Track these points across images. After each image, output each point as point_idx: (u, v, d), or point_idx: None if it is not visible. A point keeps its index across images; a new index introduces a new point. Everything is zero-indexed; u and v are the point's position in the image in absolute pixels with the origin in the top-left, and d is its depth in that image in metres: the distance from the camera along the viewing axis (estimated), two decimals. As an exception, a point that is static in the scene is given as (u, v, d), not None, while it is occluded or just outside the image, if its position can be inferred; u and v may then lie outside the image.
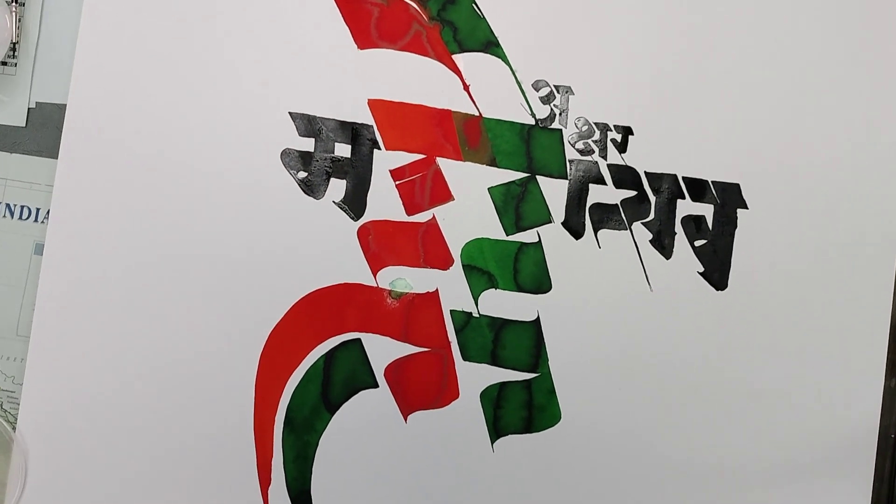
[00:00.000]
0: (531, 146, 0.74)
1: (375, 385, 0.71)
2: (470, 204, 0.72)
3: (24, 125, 0.75)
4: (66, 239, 0.71)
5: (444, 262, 0.72)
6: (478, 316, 0.72)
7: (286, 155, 0.74)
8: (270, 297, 0.71)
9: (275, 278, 0.73)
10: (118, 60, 0.72)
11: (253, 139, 0.74)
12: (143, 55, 0.72)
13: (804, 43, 0.75)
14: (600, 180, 0.73)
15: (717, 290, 0.73)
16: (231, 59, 0.74)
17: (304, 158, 0.74)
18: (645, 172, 0.73)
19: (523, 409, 0.71)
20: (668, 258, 0.73)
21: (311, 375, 0.71)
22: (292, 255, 0.73)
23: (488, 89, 0.73)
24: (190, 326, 0.71)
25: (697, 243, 0.73)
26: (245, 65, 0.74)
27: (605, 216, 0.73)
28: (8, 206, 0.74)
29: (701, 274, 0.73)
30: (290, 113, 0.74)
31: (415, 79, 0.73)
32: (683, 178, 0.73)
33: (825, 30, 0.74)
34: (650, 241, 0.73)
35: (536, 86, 0.74)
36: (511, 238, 0.72)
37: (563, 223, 0.73)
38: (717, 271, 0.73)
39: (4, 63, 0.75)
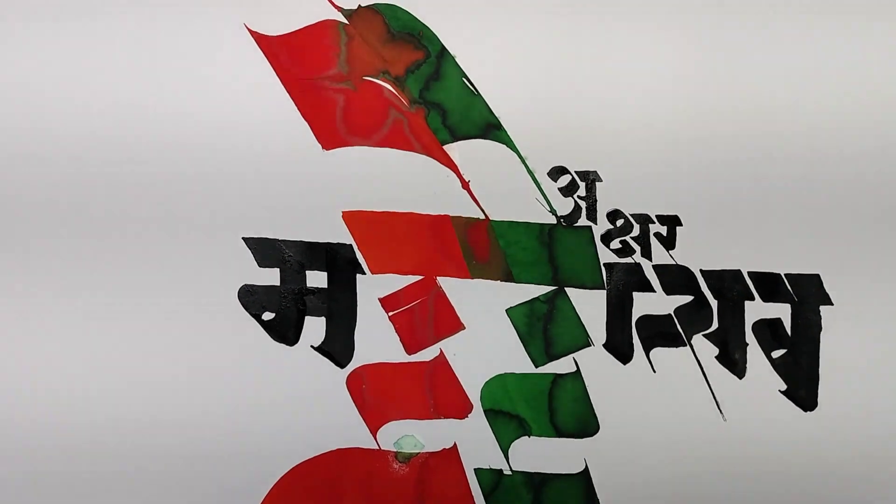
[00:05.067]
0: (555, 251, 0.62)
1: (389, 575, 0.61)
2: (485, 332, 0.63)
3: None
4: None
5: (460, 409, 0.62)
6: (510, 473, 0.63)
7: (245, 294, 0.61)
8: (245, 478, 0.61)
9: (248, 454, 0.61)
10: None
11: (200, 275, 0.61)
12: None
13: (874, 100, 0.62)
14: (646, 286, 0.63)
15: (805, 411, 0.63)
16: (167, 173, 0.60)
17: (269, 295, 0.62)
18: (701, 271, 0.63)
19: (578, 585, 0.63)
20: (740, 377, 0.63)
21: (307, 573, 0.61)
22: (266, 420, 0.61)
23: (494, 184, 0.62)
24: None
25: (775, 354, 0.63)
26: (183, 182, 0.61)
27: (657, 331, 0.63)
28: None
29: (784, 393, 0.63)
30: (244, 239, 0.61)
31: (399, 180, 0.62)
32: (750, 273, 0.63)
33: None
34: (717, 358, 0.63)
35: (553, 175, 0.62)
36: (542, 370, 0.63)
37: (604, 345, 0.63)
38: (802, 388, 0.63)
39: None
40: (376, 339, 0.61)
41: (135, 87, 0.60)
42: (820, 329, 0.62)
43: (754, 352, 0.62)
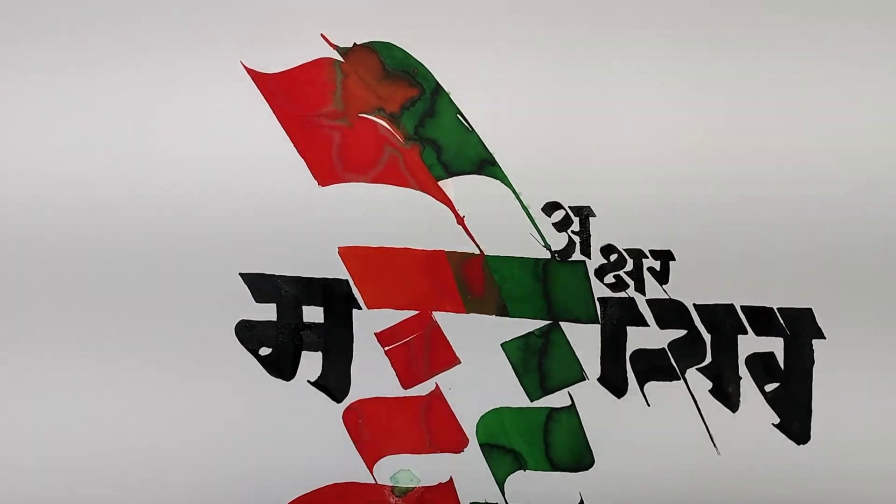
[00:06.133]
0: (549, 286, 0.61)
1: None
2: (481, 366, 0.62)
3: None
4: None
5: (456, 443, 0.62)
6: None
7: (243, 329, 0.61)
8: None
9: (245, 490, 0.61)
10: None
11: (197, 311, 0.61)
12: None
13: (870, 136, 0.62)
14: (640, 321, 0.62)
15: (799, 444, 0.62)
16: (165, 210, 0.60)
17: (266, 330, 0.61)
18: (694, 305, 0.62)
19: None
20: (734, 410, 0.62)
21: None
22: (262, 456, 0.61)
23: (488, 220, 0.62)
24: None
25: (768, 388, 0.63)
26: (180, 217, 0.60)
27: (651, 365, 0.62)
28: None
29: (777, 426, 0.62)
30: (241, 274, 0.61)
31: (395, 216, 0.62)
32: (742, 307, 0.62)
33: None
34: (710, 392, 0.62)
35: (547, 210, 0.62)
36: (537, 404, 0.62)
37: (599, 379, 0.63)
38: (796, 421, 0.62)
39: None
40: (372, 374, 0.61)
41: (132, 124, 0.60)
42: (813, 363, 0.61)
43: (747, 385, 0.62)
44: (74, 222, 0.60)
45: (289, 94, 0.61)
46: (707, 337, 0.62)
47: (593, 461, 0.61)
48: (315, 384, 0.61)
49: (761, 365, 0.61)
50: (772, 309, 0.61)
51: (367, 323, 0.61)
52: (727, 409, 0.61)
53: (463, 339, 0.62)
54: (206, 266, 0.60)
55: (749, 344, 0.62)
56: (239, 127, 0.61)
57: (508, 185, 0.61)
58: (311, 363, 0.61)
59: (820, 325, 0.61)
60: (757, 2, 0.61)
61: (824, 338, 0.61)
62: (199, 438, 0.60)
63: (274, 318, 0.61)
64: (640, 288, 0.62)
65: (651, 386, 0.62)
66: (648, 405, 0.61)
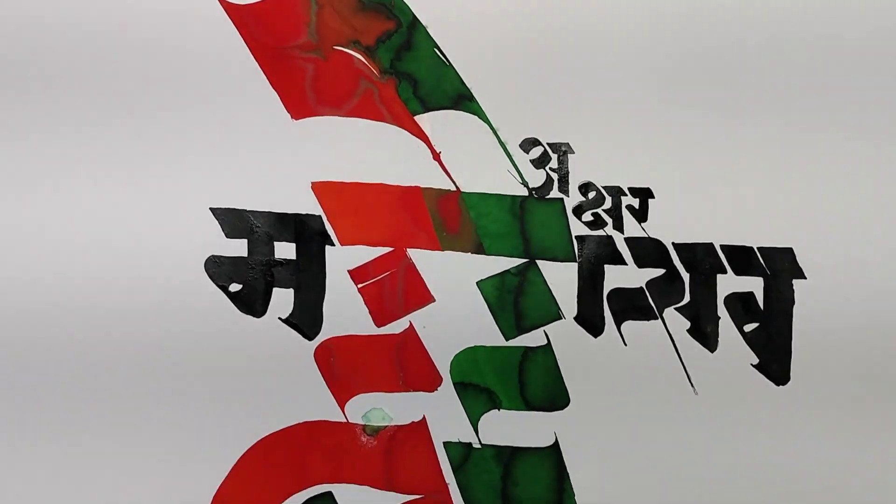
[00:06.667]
0: (526, 224, 0.60)
1: (357, 551, 0.61)
2: (456, 305, 0.61)
3: None
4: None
5: (429, 382, 0.61)
6: (480, 447, 0.61)
7: (212, 264, 0.60)
8: (209, 449, 0.60)
9: (213, 425, 0.60)
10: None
11: (167, 245, 0.60)
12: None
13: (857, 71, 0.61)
14: (618, 259, 0.61)
15: (778, 385, 0.61)
16: (135, 144, 0.59)
17: (236, 266, 0.60)
18: (673, 244, 0.61)
19: (548, 557, 0.62)
20: (712, 350, 0.61)
21: (273, 548, 0.61)
22: (232, 392, 0.60)
23: (465, 156, 0.61)
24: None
25: (747, 328, 0.61)
26: (152, 151, 0.59)
27: (629, 304, 0.61)
28: None
29: (756, 367, 0.61)
30: (211, 209, 0.60)
31: (369, 151, 0.61)
32: (722, 246, 0.61)
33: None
34: (688, 331, 0.61)
35: (525, 146, 0.61)
36: (512, 343, 0.61)
37: (576, 318, 0.61)
38: (775, 362, 0.61)
39: None
40: (345, 312, 0.60)
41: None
42: (793, 303, 0.60)
43: (726, 325, 0.61)
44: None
45: (261, 25, 0.60)
46: (686, 276, 0.60)
47: (569, 401, 0.60)
48: (286, 321, 0.60)
49: (740, 305, 0.60)
50: (752, 248, 0.60)
51: (341, 260, 0.60)
52: (705, 348, 0.60)
53: (438, 277, 0.60)
54: (175, 201, 0.59)
55: (728, 284, 0.61)
56: (213, 58, 0.59)
57: (486, 120, 0.60)
58: (282, 300, 0.60)
59: (801, 265, 0.60)
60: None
61: (805, 278, 0.60)
62: (167, 374, 0.59)
63: (245, 254, 0.60)
64: (619, 226, 0.60)
65: (628, 325, 0.60)
66: (625, 344, 0.60)
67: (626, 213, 0.60)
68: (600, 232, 0.61)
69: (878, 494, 0.60)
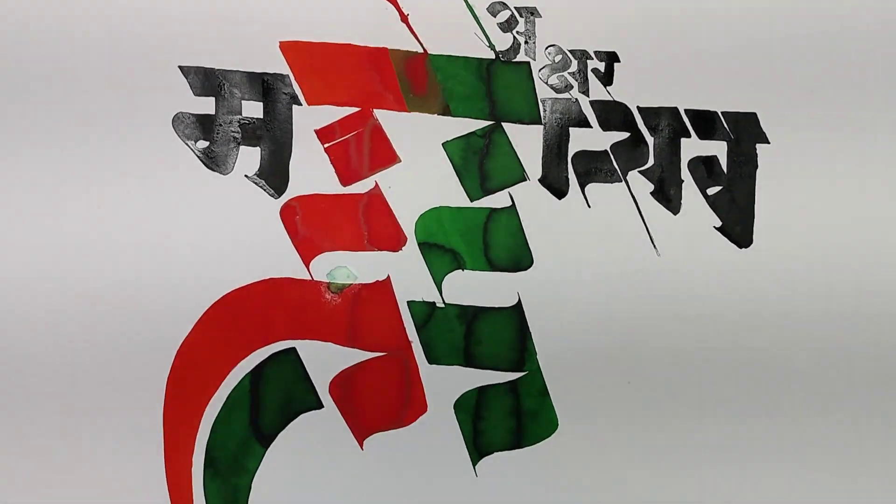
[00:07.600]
0: (493, 86, 0.61)
1: (319, 405, 0.61)
2: (421, 165, 0.61)
3: None
4: None
5: (394, 241, 0.61)
6: (443, 306, 0.61)
7: (179, 121, 0.60)
8: (173, 304, 0.60)
9: (177, 280, 0.60)
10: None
11: (134, 102, 0.60)
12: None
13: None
14: (583, 122, 0.62)
15: (741, 247, 0.62)
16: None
17: (204, 124, 0.61)
18: (638, 108, 0.62)
19: (510, 418, 0.61)
20: (675, 213, 0.62)
21: (235, 401, 0.61)
22: (196, 247, 0.60)
23: (433, 18, 0.61)
24: (72, 350, 0.59)
25: (710, 191, 0.62)
26: (119, 8, 0.59)
27: (593, 167, 0.62)
28: None
29: (718, 229, 0.62)
30: (180, 67, 0.60)
31: (337, 11, 0.61)
32: (686, 111, 0.62)
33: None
34: (652, 194, 0.62)
35: (493, 9, 0.61)
36: (477, 204, 0.62)
37: (540, 180, 0.62)
38: (738, 224, 0.62)
39: None
40: (311, 170, 0.60)
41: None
42: (756, 167, 0.61)
43: (689, 188, 0.61)
44: None
45: None
46: (650, 140, 0.61)
47: (532, 262, 0.60)
48: (252, 178, 0.60)
49: (704, 168, 0.61)
50: (716, 112, 0.61)
51: (308, 119, 0.60)
52: (669, 211, 0.61)
53: (404, 137, 0.61)
54: (143, 59, 0.59)
55: (692, 147, 0.61)
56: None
57: (454, -17, 0.61)
58: (249, 158, 0.60)
59: (764, 129, 0.61)
60: None
61: (768, 142, 0.61)
62: (135, 229, 0.59)
63: (213, 112, 0.60)
64: (584, 89, 0.61)
65: (592, 187, 0.61)
66: (589, 207, 0.61)
67: (591, 77, 0.61)
68: (566, 95, 0.61)
69: (839, 351, 0.61)
